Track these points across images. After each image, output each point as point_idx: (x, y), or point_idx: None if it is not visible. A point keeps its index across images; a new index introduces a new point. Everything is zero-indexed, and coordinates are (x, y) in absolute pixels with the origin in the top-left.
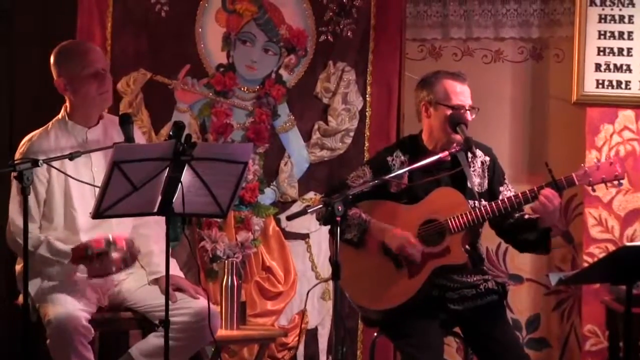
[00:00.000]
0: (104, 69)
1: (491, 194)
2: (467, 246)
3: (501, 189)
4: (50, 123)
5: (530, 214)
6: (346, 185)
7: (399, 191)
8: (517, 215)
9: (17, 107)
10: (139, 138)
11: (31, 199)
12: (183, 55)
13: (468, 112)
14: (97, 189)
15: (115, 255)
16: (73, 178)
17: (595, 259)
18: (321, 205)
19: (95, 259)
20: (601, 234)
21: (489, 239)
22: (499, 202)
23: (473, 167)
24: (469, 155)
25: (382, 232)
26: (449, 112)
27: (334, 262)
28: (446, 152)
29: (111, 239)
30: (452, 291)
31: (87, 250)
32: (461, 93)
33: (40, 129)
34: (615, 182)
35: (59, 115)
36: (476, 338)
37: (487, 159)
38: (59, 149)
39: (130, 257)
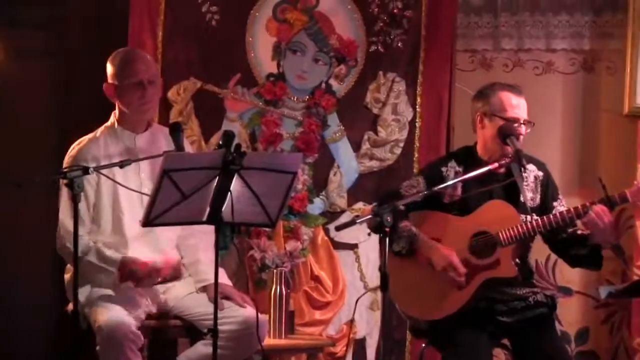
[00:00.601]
0: (150, 80)
1: (543, 208)
2: (517, 260)
3: (555, 204)
4: (99, 129)
5: (583, 229)
6: (399, 195)
7: (452, 202)
8: (569, 230)
9: (66, 116)
10: (187, 147)
11: (81, 202)
12: (233, 64)
13: (523, 126)
14: (144, 195)
15: (160, 276)
16: (122, 185)
17: None
18: (370, 216)
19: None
20: None
21: (538, 252)
22: (551, 216)
23: (526, 181)
24: (522, 169)
25: (428, 249)
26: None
27: (382, 272)
28: (496, 164)
29: (157, 264)
30: (501, 303)
31: (134, 273)
32: (517, 106)
33: (90, 134)
34: None
35: (108, 122)
36: (525, 350)
37: (541, 173)
38: (108, 154)
39: (174, 274)
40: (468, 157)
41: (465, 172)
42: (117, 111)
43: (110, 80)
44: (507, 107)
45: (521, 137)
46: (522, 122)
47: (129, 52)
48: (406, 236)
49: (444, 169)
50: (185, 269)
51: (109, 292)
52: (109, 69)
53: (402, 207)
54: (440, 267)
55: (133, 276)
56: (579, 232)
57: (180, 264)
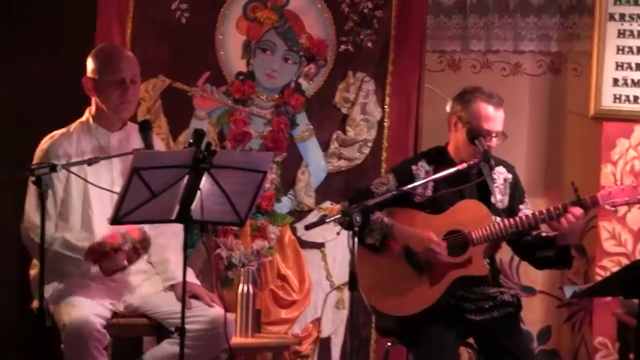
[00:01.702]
0: (132, 79)
1: (511, 211)
2: (487, 259)
3: (521, 207)
4: (73, 125)
5: (547, 231)
6: (370, 192)
7: (423, 201)
8: (534, 233)
9: (31, 112)
10: (158, 145)
11: (49, 197)
12: (203, 63)
13: (494, 138)
14: (115, 194)
15: (127, 247)
16: (91, 183)
17: (608, 272)
18: (339, 215)
19: (109, 255)
20: (614, 247)
21: (502, 251)
22: (523, 217)
23: (496, 183)
24: (491, 170)
25: (405, 234)
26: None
27: (351, 271)
28: (464, 164)
29: (125, 231)
30: (470, 302)
31: (103, 247)
32: (493, 119)
33: (63, 129)
34: (638, 205)
35: (83, 118)
36: (490, 349)
37: (510, 176)
38: (80, 151)
39: (142, 247)
40: (439, 157)
41: (435, 172)
42: (93, 107)
43: (90, 75)
44: (482, 119)
45: (490, 148)
46: (494, 135)
47: (113, 48)
48: (379, 228)
49: (414, 167)
50: (153, 267)
51: (75, 288)
52: (90, 63)
53: (369, 207)
54: (421, 247)
55: (101, 251)
56: (544, 234)
57: (145, 234)
